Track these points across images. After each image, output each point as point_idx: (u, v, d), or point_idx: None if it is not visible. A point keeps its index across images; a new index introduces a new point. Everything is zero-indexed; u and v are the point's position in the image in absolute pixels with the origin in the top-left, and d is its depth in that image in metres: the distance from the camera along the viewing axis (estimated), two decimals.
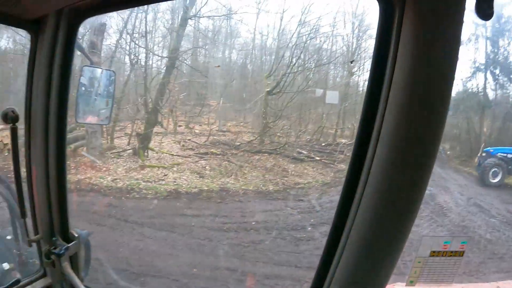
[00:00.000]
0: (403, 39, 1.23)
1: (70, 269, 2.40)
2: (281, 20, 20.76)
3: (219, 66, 19.32)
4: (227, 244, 10.28)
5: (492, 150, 17.23)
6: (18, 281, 2.26)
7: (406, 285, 3.39)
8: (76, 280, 2.36)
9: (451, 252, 3.23)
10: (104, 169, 14.52)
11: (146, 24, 18.20)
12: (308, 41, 19.21)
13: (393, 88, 1.26)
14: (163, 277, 8.45)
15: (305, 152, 17.83)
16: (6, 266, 2.96)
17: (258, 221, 11.78)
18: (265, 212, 12.56)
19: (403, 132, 1.28)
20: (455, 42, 1.21)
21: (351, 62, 19.10)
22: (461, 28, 1.19)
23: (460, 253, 3.27)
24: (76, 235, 2.46)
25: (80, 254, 2.49)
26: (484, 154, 17.29)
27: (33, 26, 2.05)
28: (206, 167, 16.08)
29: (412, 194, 1.34)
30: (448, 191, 14.76)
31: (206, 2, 17.80)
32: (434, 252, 3.20)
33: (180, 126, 20.50)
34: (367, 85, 1.42)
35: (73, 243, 2.43)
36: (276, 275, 8.85)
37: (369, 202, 1.38)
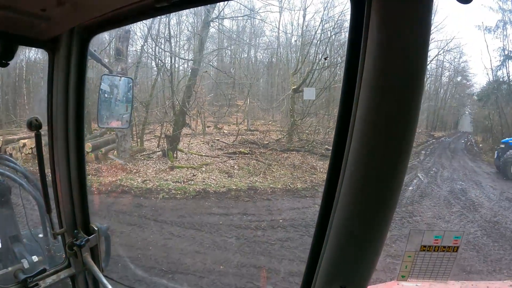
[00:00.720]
0: (371, 30, 1.21)
1: (91, 259, 2.64)
2: (304, 17, 20.73)
3: (206, 71, 19.34)
4: (254, 241, 10.32)
5: (511, 141, 16.36)
6: (44, 270, 2.47)
7: (397, 280, 3.30)
8: (96, 270, 2.58)
9: (443, 247, 3.14)
10: (134, 171, 14.88)
11: (169, 29, 18.49)
12: (333, 36, 19.06)
13: (364, 81, 1.25)
14: (190, 274, 8.59)
15: None
16: (35, 258, 3.26)
17: (285, 218, 11.77)
18: (292, 210, 12.54)
19: (373, 126, 1.27)
20: (424, 30, 1.18)
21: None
22: (430, 15, 1.17)
23: (454, 249, 3.14)
24: (96, 228, 2.69)
25: (100, 246, 2.73)
26: (502, 146, 16.50)
27: (49, 45, 2.27)
28: (235, 167, 16.22)
29: (388, 189, 1.33)
30: (480, 185, 14.25)
31: (227, 3, 17.88)
32: (424, 246, 3.12)
33: (208, 126, 20.71)
34: (343, 80, 1.40)
35: (93, 235, 2.66)
36: (302, 272, 8.81)
37: (346, 199, 1.40)
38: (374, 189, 1.35)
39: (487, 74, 21.23)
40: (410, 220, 11.42)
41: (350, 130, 1.33)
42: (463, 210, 12.22)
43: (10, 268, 2.59)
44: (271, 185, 14.49)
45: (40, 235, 3.78)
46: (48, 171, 2.52)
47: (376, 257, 1.49)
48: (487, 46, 19.85)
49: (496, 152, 17.02)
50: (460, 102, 23.68)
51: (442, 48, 20.67)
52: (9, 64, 2.13)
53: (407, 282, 3.25)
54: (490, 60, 19.68)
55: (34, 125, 2.28)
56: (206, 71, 19.41)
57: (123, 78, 3.37)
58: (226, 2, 17.62)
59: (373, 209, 1.38)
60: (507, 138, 17.30)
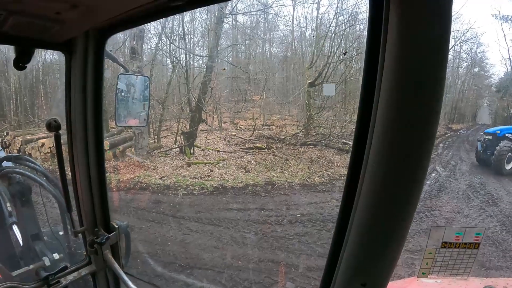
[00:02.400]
0: (391, 26, 1.18)
1: (111, 256, 2.70)
2: (318, 10, 20.51)
3: (225, 69, 19.32)
4: (271, 237, 10.35)
5: (499, 131, 15.44)
6: (65, 268, 2.54)
7: (418, 277, 3.26)
8: (116, 267, 2.63)
9: (465, 243, 3.08)
10: (152, 167, 15.02)
11: (183, 26, 18.55)
12: (348, 29, 18.83)
13: (384, 78, 1.23)
14: (209, 269, 8.68)
15: (350, 143, 17.34)
16: (56, 256, 3.32)
17: (303, 213, 11.78)
18: (310, 204, 12.52)
19: (394, 123, 1.25)
20: (445, 23, 1.15)
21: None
22: (450, 7, 1.14)
23: (475, 245, 3.08)
24: (116, 226, 2.75)
25: (120, 243, 2.78)
26: (489, 137, 15.49)
27: (65, 47, 2.31)
28: (252, 162, 16.22)
29: (409, 187, 1.32)
30: (499, 179, 13.95)
31: None
32: (445, 243, 3.07)
33: (225, 122, 20.73)
34: (363, 77, 1.38)
35: (113, 233, 2.71)
36: (320, 267, 8.79)
37: (367, 197, 1.38)
38: (395, 186, 1.33)
39: (505, 64, 20.66)
40: (428, 215, 11.27)
41: (371, 128, 1.31)
42: (481, 204, 12.00)
43: (31, 266, 2.65)
44: (288, 180, 14.45)
45: (61, 233, 3.84)
46: (67, 170, 2.56)
47: (397, 254, 1.46)
48: (505, 36, 19.29)
49: (479, 143, 16.14)
50: (478, 93, 23.12)
51: (459, 39, 20.23)
52: (26, 67, 2.17)
53: (426, 278, 3.21)
54: (508, 50, 19.21)
55: (53, 126, 2.31)
56: (225, 69, 19.44)
57: (139, 76, 3.41)
58: None
59: (394, 207, 1.36)
60: (493, 128, 16.51)
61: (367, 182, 1.37)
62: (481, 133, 17.22)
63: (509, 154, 14.65)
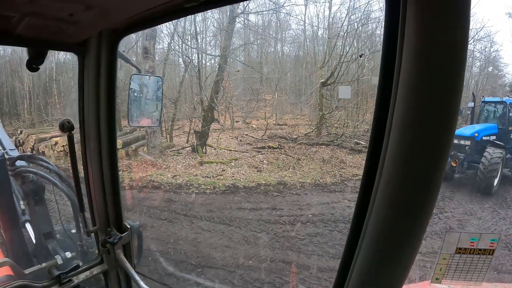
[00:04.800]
0: (408, 26, 1.16)
1: (123, 256, 2.71)
2: (330, 8, 20.46)
3: (239, 70, 19.33)
4: (283, 236, 10.32)
5: (477, 134, 12.07)
6: (77, 267, 2.56)
7: (431, 282, 3.22)
8: (128, 266, 2.64)
9: (479, 250, 3.01)
10: (164, 166, 15.11)
11: (195, 25, 18.64)
12: (360, 28, 18.73)
13: (401, 80, 1.20)
14: (219, 268, 8.68)
15: (363, 143, 17.35)
16: (68, 254, 3.38)
17: (314, 214, 11.73)
18: (321, 204, 12.46)
19: (411, 126, 1.22)
20: (464, 22, 1.12)
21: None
22: (469, 6, 1.11)
23: (490, 252, 2.98)
24: (129, 226, 2.75)
25: (132, 243, 2.79)
26: (465, 143, 12.12)
27: (79, 48, 2.33)
28: (264, 161, 16.20)
29: (426, 191, 1.29)
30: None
31: None
32: (460, 249, 2.99)
33: (237, 121, 20.79)
34: (379, 79, 1.33)
35: (125, 233, 2.72)
36: (331, 268, 8.77)
37: (383, 201, 1.35)
38: (411, 190, 1.31)
39: None
40: (441, 216, 11.08)
41: (387, 130, 1.28)
42: (494, 206, 11.79)
43: (44, 264, 2.67)
44: (300, 180, 14.43)
45: (73, 231, 3.91)
46: (80, 170, 2.58)
47: (412, 259, 1.44)
48: None
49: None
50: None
51: (472, 37, 19.89)
52: (39, 68, 2.18)
53: (440, 284, 3.16)
54: None
55: (66, 127, 2.32)
56: (239, 70, 19.49)
57: (152, 77, 3.43)
58: None
59: (410, 211, 1.34)
60: (466, 129, 12.96)
61: (382, 185, 1.35)
62: None
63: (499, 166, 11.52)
